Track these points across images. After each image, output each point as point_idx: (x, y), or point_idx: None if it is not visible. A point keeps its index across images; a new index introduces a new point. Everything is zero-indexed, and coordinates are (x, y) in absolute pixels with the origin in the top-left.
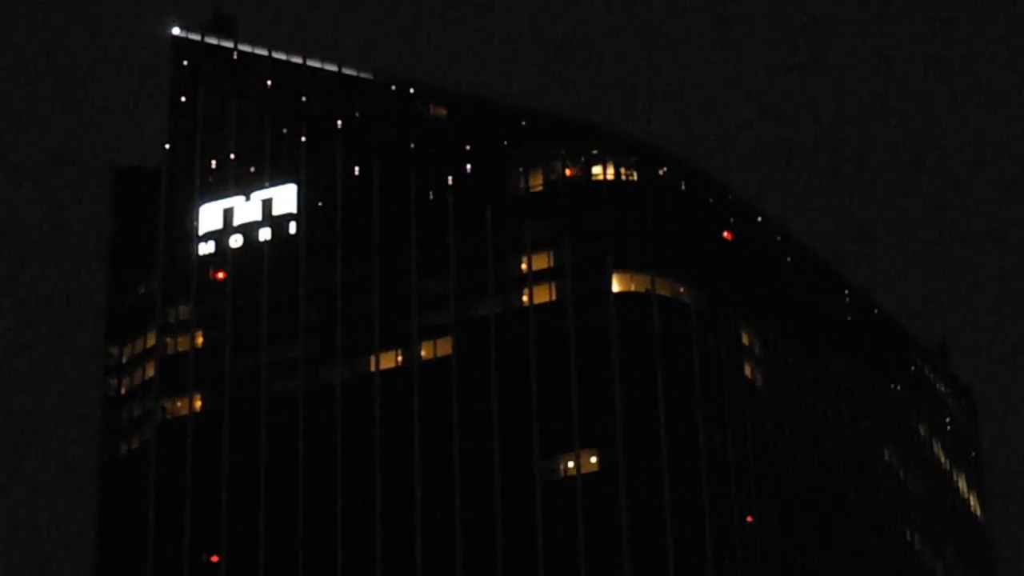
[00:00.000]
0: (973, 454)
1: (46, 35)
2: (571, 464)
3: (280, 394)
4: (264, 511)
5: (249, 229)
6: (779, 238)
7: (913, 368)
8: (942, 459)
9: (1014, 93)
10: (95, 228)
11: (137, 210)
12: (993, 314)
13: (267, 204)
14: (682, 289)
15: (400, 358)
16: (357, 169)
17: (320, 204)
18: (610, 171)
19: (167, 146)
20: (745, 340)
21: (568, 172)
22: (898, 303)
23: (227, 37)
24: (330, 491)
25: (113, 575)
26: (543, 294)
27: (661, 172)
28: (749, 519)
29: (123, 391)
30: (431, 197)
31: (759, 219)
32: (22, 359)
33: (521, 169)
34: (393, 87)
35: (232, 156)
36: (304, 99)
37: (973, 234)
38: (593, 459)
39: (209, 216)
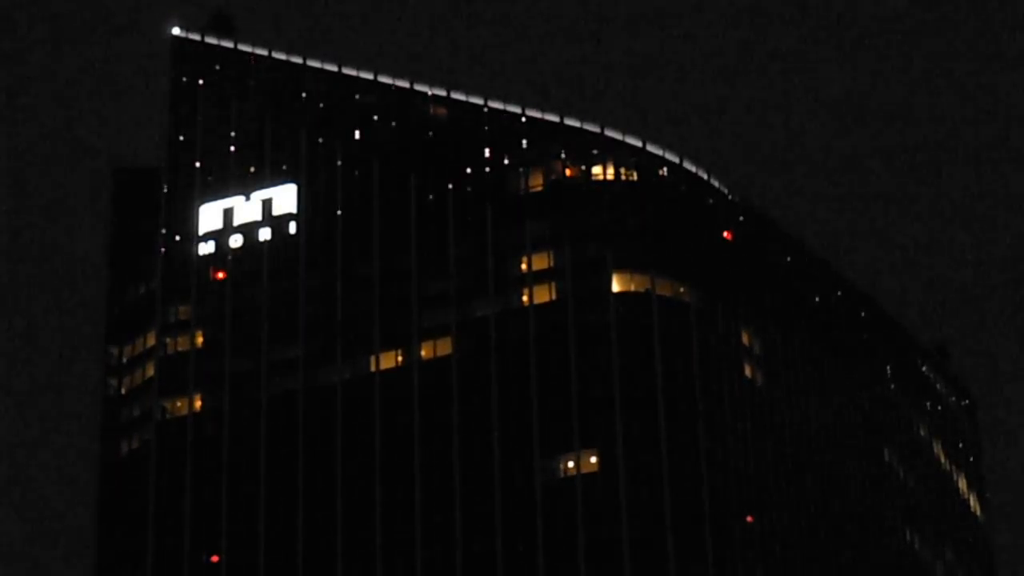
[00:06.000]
0: (973, 454)
1: (46, 35)
2: (571, 464)
3: (280, 394)
4: (264, 511)
5: (249, 229)
6: (779, 238)
7: (913, 368)
8: (942, 459)
9: (1016, 93)
10: (95, 228)
11: (137, 210)
12: (993, 314)
13: (267, 204)
14: (682, 289)
15: (400, 358)
16: (357, 169)
17: (320, 204)
18: (610, 171)
19: (167, 146)
20: (745, 340)
21: (568, 172)
22: (898, 303)
23: (227, 37)
24: (330, 491)
25: (113, 575)
26: (543, 294)
27: (661, 172)
28: (749, 519)
29: (123, 391)
30: (431, 197)
31: (759, 219)
32: (22, 359)
33: (521, 169)
34: (393, 87)
35: (232, 156)
36: (304, 99)
37: (973, 234)
38: (593, 459)
39: (209, 216)
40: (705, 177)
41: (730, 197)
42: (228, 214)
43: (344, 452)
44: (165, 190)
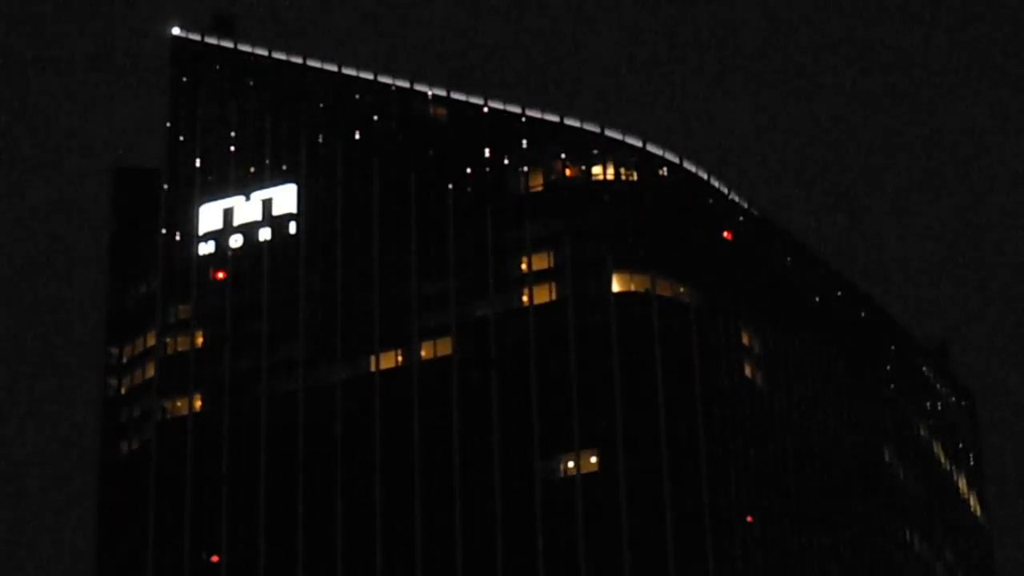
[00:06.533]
0: (973, 454)
1: (46, 35)
2: (571, 464)
3: (280, 394)
4: (264, 511)
5: (249, 229)
6: (779, 238)
7: (913, 368)
8: (942, 459)
9: (1015, 93)
10: (95, 228)
11: (137, 210)
12: (993, 314)
13: (267, 204)
14: (682, 289)
15: (400, 358)
16: (357, 169)
17: (320, 204)
18: (610, 171)
19: (167, 146)
20: (745, 340)
21: (568, 172)
22: (898, 303)
23: (227, 37)
24: (330, 491)
25: (113, 575)
26: (543, 294)
27: (661, 172)
28: (749, 519)
29: (123, 391)
30: (431, 197)
31: (759, 219)
32: (22, 359)
33: (521, 169)
34: (393, 87)
35: (232, 156)
36: (304, 99)
37: (973, 234)
38: (593, 459)
39: (209, 216)
40: (705, 177)
41: (730, 197)
42: (228, 214)
43: (344, 452)
44: (165, 190)
